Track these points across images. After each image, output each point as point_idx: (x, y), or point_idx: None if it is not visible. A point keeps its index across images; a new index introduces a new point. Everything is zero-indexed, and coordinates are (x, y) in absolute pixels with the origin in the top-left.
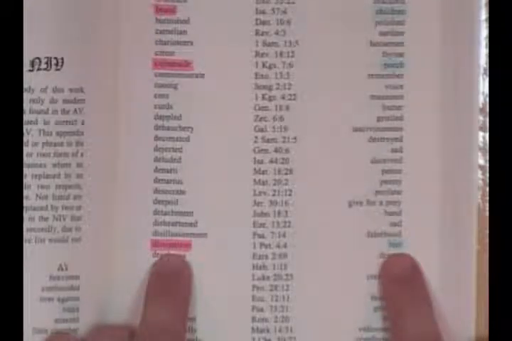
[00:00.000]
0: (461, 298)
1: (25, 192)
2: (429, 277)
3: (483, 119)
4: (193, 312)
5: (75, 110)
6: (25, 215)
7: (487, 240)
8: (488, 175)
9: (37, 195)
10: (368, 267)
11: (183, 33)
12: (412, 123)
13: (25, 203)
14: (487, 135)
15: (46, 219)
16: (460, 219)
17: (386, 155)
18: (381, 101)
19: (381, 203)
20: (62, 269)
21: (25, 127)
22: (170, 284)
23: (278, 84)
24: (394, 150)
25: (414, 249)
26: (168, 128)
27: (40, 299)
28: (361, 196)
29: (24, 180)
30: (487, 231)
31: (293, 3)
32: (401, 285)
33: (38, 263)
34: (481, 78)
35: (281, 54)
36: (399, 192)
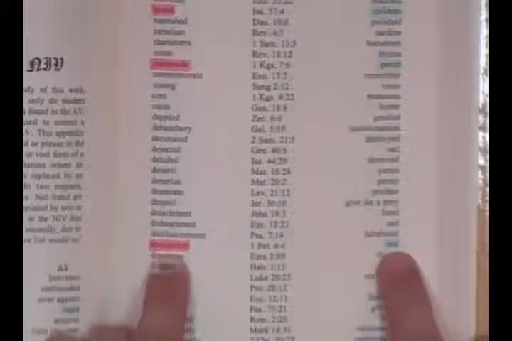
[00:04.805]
0: (460, 298)
1: (25, 192)
2: (426, 276)
3: (483, 119)
4: (192, 313)
5: (75, 110)
6: (25, 215)
7: (487, 240)
8: (488, 175)
9: (36, 195)
10: (366, 266)
11: (180, 33)
12: (409, 123)
13: (25, 203)
14: (487, 135)
15: (46, 219)
16: (458, 219)
17: (383, 155)
18: (378, 100)
19: (378, 203)
20: (62, 269)
21: (24, 127)
22: (168, 286)
23: (276, 84)
24: (391, 150)
25: (412, 249)
26: (166, 129)
27: (40, 299)
28: (359, 196)
29: (24, 180)
30: (487, 231)
31: (290, 3)
32: (399, 284)
33: (38, 263)
34: (481, 78)
35: (278, 54)
36: (396, 192)
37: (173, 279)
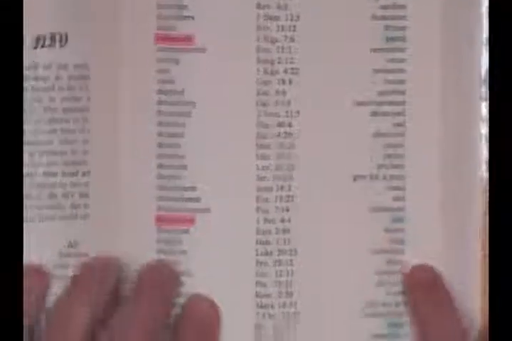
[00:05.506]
0: (464, 278)
1: (33, 170)
2: (431, 255)
3: (486, 89)
4: (196, 288)
5: (80, 86)
6: (35, 193)
7: (487, 221)
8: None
9: (44, 172)
10: (372, 242)
11: (184, 7)
12: (414, 97)
13: (35, 180)
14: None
15: (55, 196)
16: (464, 193)
17: (389, 129)
18: (383, 74)
19: (384, 177)
20: (71, 246)
21: (30, 105)
22: (199, 333)
23: (280, 58)
24: (396, 125)
25: (417, 224)
26: (170, 103)
27: (50, 277)
28: (364, 170)
29: (32, 158)
30: (487, 209)
31: None
32: (425, 293)
33: (48, 241)
34: (483, 49)
35: (283, 28)
36: (402, 167)
37: (204, 326)
